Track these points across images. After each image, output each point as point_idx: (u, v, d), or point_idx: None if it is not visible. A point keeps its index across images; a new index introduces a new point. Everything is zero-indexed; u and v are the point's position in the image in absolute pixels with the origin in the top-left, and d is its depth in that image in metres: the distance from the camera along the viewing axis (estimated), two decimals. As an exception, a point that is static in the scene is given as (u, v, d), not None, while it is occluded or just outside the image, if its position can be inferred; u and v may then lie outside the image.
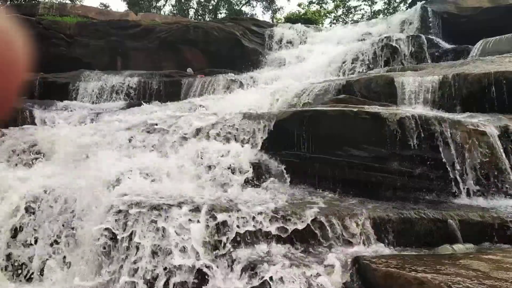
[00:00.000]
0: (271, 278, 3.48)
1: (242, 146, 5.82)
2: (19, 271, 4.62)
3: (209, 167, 5.40)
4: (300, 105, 7.51)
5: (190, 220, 3.94)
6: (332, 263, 3.71)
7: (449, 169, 5.18)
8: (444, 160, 5.20)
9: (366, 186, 5.37)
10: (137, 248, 3.82)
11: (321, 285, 3.47)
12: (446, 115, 5.89)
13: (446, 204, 4.82)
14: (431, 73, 7.40)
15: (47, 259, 4.49)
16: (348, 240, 4.23)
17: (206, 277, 3.64)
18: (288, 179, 5.52)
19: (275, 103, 7.77)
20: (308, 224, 4.16)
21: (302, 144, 5.77)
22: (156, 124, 6.26)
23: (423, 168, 5.28)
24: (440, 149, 5.25)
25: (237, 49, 12.72)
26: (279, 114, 6.19)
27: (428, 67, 8.60)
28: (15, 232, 4.78)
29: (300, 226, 4.15)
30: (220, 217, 4.01)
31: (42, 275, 4.43)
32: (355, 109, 5.72)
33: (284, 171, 5.58)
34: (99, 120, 7.75)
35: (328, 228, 4.25)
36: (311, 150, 5.71)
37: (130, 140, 6.16)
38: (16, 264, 4.64)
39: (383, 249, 4.17)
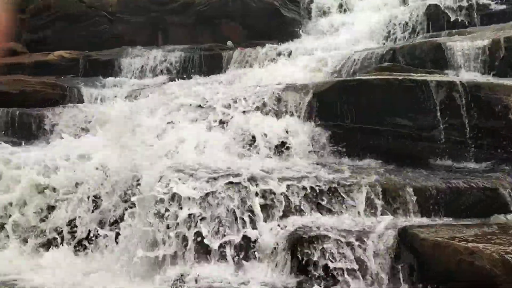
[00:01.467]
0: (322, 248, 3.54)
1: (284, 118, 5.82)
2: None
3: (255, 139, 5.45)
4: (342, 75, 7.38)
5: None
6: (379, 233, 3.72)
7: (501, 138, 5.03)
8: (495, 127, 5.06)
9: (411, 155, 5.31)
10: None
11: (369, 254, 3.50)
12: (498, 80, 5.66)
13: (497, 173, 4.68)
14: (480, 37, 7.08)
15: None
16: (394, 210, 4.23)
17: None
18: (330, 149, 5.51)
19: (316, 74, 7.67)
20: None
21: (345, 114, 5.71)
22: (203, 99, 6.32)
23: (472, 136, 5.14)
24: (491, 117, 5.09)
25: (275, 19, 12.54)
26: (321, 84, 6.12)
27: (477, 30, 8.21)
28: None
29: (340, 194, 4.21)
30: (271, 186, 4.06)
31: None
32: (400, 77, 5.61)
33: (328, 142, 5.56)
34: (143, 95, 7.89)
35: (374, 198, 4.26)
36: (354, 120, 5.65)
37: (176, 114, 6.25)
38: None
39: (431, 220, 4.14)
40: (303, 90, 6.00)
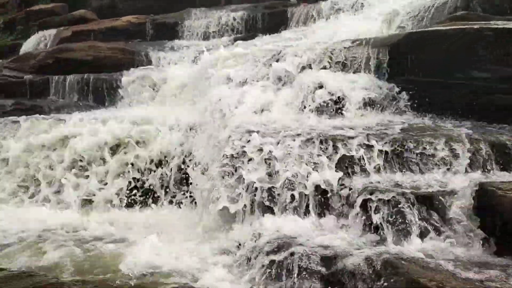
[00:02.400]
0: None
1: (352, 74, 5.69)
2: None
3: (321, 97, 5.38)
4: (412, 27, 7.05)
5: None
6: (455, 188, 3.62)
7: None
8: None
9: (488, 110, 5.02)
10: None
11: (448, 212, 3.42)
12: None
13: None
14: None
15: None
16: (469, 165, 4.08)
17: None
18: (404, 107, 5.34)
19: (386, 27, 7.37)
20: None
21: (416, 68, 5.48)
22: (268, 58, 6.29)
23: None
24: None
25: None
26: (390, 38, 5.90)
27: None
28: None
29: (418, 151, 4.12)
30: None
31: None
32: (476, 26, 5.26)
33: (399, 98, 5.39)
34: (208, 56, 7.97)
35: (448, 152, 4.13)
36: (426, 74, 5.42)
37: (243, 75, 6.28)
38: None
39: (508, 176, 3.94)
40: (371, 44, 5.80)
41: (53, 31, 11.49)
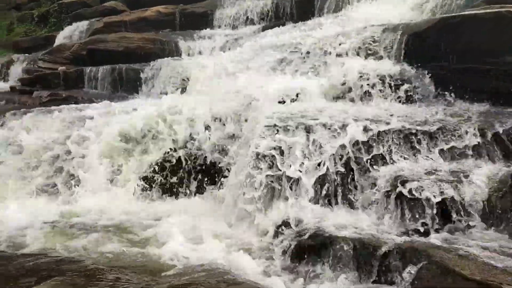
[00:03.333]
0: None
1: (381, 60, 5.64)
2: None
3: (353, 83, 5.35)
4: (444, 11, 6.88)
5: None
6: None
7: None
8: None
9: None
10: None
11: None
12: None
13: None
14: None
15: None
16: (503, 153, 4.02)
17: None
18: (433, 92, 5.27)
19: (416, 11, 7.23)
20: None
21: (448, 54, 5.38)
22: (297, 45, 6.29)
23: None
24: None
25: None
26: (421, 23, 5.79)
27: None
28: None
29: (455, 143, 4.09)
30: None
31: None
32: (513, 9, 5.11)
33: (429, 83, 5.31)
34: (239, 45, 8.00)
35: (479, 141, 4.08)
36: (458, 60, 5.31)
37: (272, 63, 6.30)
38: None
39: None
40: (401, 30, 5.72)
41: (85, 23, 11.73)
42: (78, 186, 5.39)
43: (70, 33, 11.82)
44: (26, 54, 11.92)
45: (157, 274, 2.92)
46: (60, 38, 11.90)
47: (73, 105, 7.17)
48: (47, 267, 3.07)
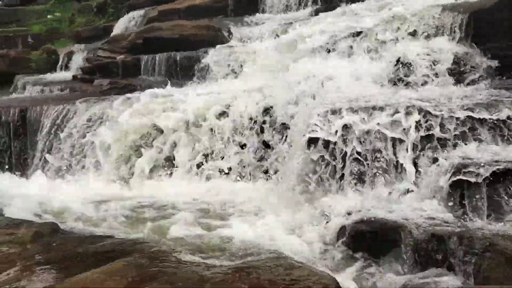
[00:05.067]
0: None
1: (440, 41, 5.43)
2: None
3: (408, 67, 5.22)
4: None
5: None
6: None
7: None
8: None
9: None
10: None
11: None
12: None
13: None
14: None
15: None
16: None
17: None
18: (498, 74, 5.04)
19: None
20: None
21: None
22: (350, 29, 6.18)
23: None
24: None
25: None
26: (482, 2, 5.53)
27: None
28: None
29: None
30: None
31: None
32: None
33: (491, 66, 5.08)
34: (292, 29, 7.94)
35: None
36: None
37: (326, 48, 6.23)
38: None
39: None
40: (462, 9, 5.49)
41: (141, 12, 12.00)
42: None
43: (127, 23, 12.14)
44: (87, 44, 12.39)
45: (217, 256, 3.01)
46: (118, 27, 12.25)
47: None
48: (113, 249, 3.24)
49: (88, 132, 6.32)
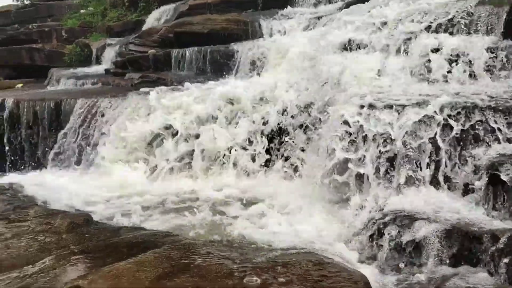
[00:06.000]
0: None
1: (476, 36, 5.28)
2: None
3: (440, 60, 5.10)
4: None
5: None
6: None
7: None
8: None
9: None
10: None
11: None
12: None
13: None
14: None
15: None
16: None
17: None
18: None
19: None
20: None
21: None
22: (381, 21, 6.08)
23: None
24: None
25: None
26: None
27: None
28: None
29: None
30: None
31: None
32: None
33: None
34: (321, 24, 7.88)
35: None
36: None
37: (355, 41, 6.16)
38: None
39: None
40: (498, 2, 5.33)
41: (172, 6, 12.11)
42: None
43: (158, 17, 12.28)
44: (119, 38, 12.59)
45: (247, 250, 3.03)
46: (149, 21, 12.41)
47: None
48: (144, 240, 3.31)
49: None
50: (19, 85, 12.48)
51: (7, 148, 7.74)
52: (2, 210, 3.94)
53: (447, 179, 3.82)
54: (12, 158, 7.62)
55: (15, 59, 15.23)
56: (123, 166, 5.99)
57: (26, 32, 16.40)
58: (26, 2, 19.72)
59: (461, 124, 3.93)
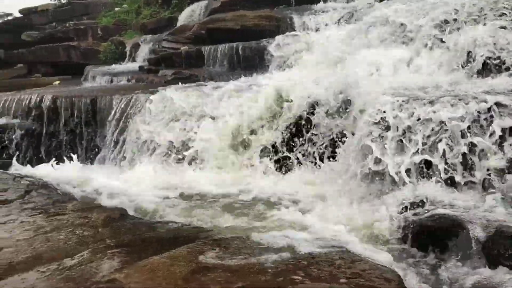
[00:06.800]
0: None
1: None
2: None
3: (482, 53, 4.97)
4: None
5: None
6: None
7: None
8: None
9: None
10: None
11: None
12: None
13: None
14: None
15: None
16: None
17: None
18: None
19: None
20: None
21: None
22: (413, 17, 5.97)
23: None
24: None
25: None
26: None
27: None
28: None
29: None
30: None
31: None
32: None
33: None
34: (354, 19, 7.81)
35: None
36: None
37: (387, 35, 6.07)
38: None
39: None
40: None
41: (204, 3, 12.22)
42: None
43: (190, 14, 12.41)
44: (152, 35, 12.79)
45: (278, 246, 3.04)
46: (182, 18, 12.56)
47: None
48: (178, 235, 3.37)
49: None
50: (57, 82, 12.87)
51: (43, 143, 8.01)
52: (42, 204, 4.07)
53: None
54: (49, 152, 7.88)
55: (53, 57, 15.71)
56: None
57: (63, 30, 16.87)
58: (63, 1, 20.25)
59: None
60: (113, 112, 7.23)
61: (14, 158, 6.93)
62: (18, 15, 20.93)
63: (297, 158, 5.37)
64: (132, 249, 3.08)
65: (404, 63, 5.58)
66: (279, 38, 8.33)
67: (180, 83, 7.38)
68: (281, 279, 2.51)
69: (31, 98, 8.48)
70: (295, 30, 9.10)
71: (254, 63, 8.43)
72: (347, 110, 5.11)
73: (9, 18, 22.75)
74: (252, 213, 4.18)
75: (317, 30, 8.62)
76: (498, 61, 4.90)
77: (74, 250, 3.02)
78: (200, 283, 2.49)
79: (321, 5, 10.00)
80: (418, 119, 4.01)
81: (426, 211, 3.43)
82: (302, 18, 9.20)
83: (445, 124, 3.88)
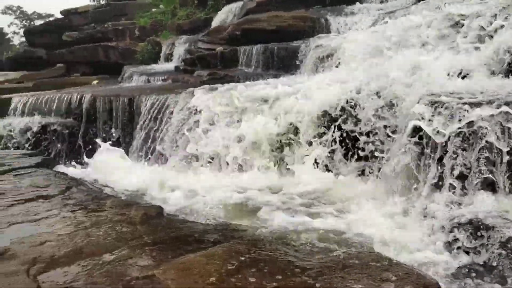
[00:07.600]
0: None
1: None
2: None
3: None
4: None
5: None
6: None
7: None
8: None
9: None
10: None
11: None
12: None
13: None
14: None
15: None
16: None
17: None
18: None
19: None
20: None
21: None
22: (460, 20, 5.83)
23: None
24: None
25: None
26: None
27: None
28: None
29: None
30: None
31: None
32: None
33: None
34: (390, 20, 7.67)
35: None
36: None
37: (426, 39, 5.97)
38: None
39: None
40: None
41: (239, 4, 12.29)
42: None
43: (226, 14, 12.51)
44: (188, 36, 12.96)
45: (312, 248, 3.05)
46: (217, 19, 12.67)
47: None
48: (213, 234, 3.41)
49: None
50: (95, 82, 13.21)
51: (82, 141, 8.24)
52: (82, 200, 4.19)
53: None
54: (88, 150, 8.08)
55: (92, 57, 16.13)
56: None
57: (102, 30, 17.30)
58: (102, 2, 20.76)
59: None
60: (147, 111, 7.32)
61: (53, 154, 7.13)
62: (59, 16, 21.60)
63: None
64: (168, 246, 3.13)
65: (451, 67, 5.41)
66: (314, 39, 8.29)
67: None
68: (318, 280, 2.51)
69: (71, 97, 8.75)
70: (330, 32, 9.06)
71: (290, 63, 8.42)
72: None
73: (51, 19, 23.49)
74: (288, 214, 4.18)
75: (353, 30, 8.54)
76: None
77: (113, 245, 3.09)
78: (234, 282, 2.51)
79: (357, 5, 9.92)
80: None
81: (466, 217, 3.36)
82: (337, 19, 9.15)
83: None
